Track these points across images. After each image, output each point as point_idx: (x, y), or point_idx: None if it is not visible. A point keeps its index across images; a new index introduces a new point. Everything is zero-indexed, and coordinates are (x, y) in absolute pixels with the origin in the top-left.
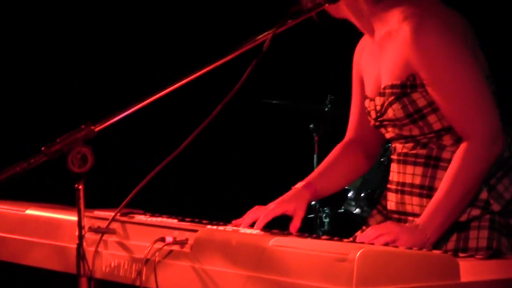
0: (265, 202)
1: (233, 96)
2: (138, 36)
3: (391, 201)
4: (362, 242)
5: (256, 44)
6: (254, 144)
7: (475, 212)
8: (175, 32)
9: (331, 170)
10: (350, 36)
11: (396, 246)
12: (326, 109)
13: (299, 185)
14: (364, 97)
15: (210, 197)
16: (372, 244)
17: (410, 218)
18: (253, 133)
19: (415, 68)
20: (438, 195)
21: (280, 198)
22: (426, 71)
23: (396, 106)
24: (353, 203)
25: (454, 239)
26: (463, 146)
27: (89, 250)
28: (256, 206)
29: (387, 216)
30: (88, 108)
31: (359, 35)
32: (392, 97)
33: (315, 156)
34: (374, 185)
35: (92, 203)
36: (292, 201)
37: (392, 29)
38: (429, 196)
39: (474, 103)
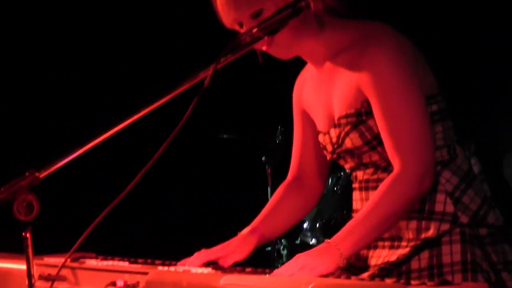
0: (220, 238)
1: (182, 132)
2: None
3: None
4: None
5: (198, 80)
6: (207, 179)
7: (444, 227)
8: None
9: (276, 213)
10: (301, 66)
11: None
12: (278, 141)
13: (245, 230)
14: (306, 133)
15: (163, 234)
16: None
17: (380, 243)
18: (205, 168)
19: (366, 94)
20: (356, 218)
21: (226, 242)
22: (373, 96)
23: (353, 135)
24: (309, 234)
25: (427, 256)
26: (391, 176)
27: None
28: (203, 250)
29: None
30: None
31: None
32: (349, 127)
33: (269, 188)
34: (328, 214)
35: (42, 250)
36: (235, 245)
37: (343, 57)
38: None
39: (411, 136)
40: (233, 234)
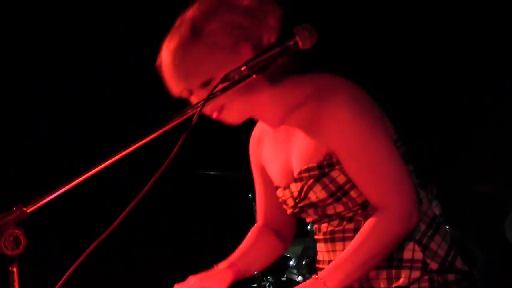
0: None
1: (168, 168)
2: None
3: None
4: None
5: (185, 118)
6: (193, 215)
7: (415, 274)
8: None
9: (252, 251)
10: None
11: None
12: None
13: (222, 265)
14: (267, 185)
15: (149, 270)
16: None
17: None
18: (191, 205)
19: (330, 147)
20: (343, 255)
21: (202, 274)
22: (340, 147)
23: (317, 188)
24: (295, 271)
25: None
26: (377, 213)
27: None
28: (176, 285)
29: None
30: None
31: None
32: (311, 180)
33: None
34: (314, 251)
35: (28, 285)
36: (214, 279)
37: (298, 113)
38: None
39: (392, 178)
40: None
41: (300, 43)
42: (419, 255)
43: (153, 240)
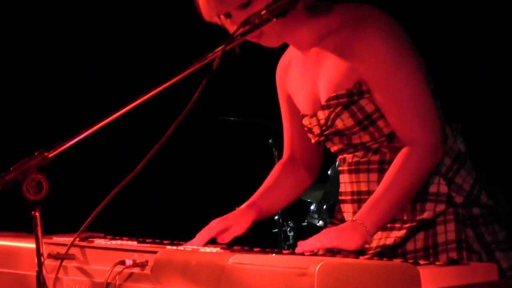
0: None
1: (189, 115)
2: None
3: (348, 212)
4: (302, 254)
5: (206, 62)
6: (213, 161)
7: (440, 207)
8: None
9: (275, 189)
10: None
11: (339, 252)
12: None
13: (244, 205)
14: (294, 115)
15: (171, 216)
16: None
17: None
18: (212, 151)
19: (361, 74)
20: (376, 194)
21: (224, 216)
22: (373, 76)
23: (344, 115)
24: (316, 216)
25: (422, 237)
26: (405, 149)
27: (49, 277)
28: (203, 229)
29: None
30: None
31: None
32: (339, 107)
33: None
34: (335, 197)
35: (51, 229)
36: (235, 219)
37: (331, 40)
38: None
39: (419, 111)
40: None
41: None
42: (444, 188)
43: (172, 186)
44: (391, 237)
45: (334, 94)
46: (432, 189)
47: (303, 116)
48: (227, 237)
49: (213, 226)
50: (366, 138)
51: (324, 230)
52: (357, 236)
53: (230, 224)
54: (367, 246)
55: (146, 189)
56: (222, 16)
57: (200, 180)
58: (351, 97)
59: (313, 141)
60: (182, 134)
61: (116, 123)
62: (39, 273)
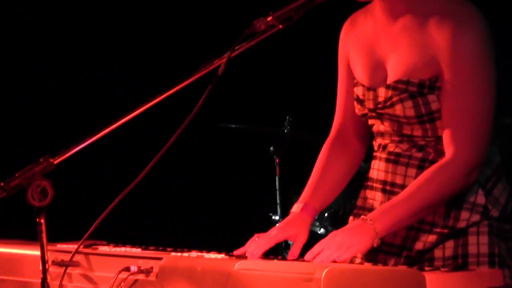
0: (229, 228)
1: (191, 122)
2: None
3: (374, 200)
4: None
5: (212, 68)
6: (216, 168)
7: (475, 218)
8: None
9: (324, 181)
10: (307, 57)
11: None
12: (286, 131)
13: (297, 208)
14: (349, 81)
15: (173, 224)
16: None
17: None
18: (214, 158)
19: (441, 71)
20: (396, 199)
21: (281, 224)
22: (452, 77)
23: (408, 104)
24: (317, 224)
25: (452, 246)
26: (441, 161)
27: (53, 284)
28: (256, 234)
29: None
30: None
31: (317, 56)
32: (406, 94)
33: (277, 178)
34: (337, 204)
35: (55, 236)
36: (294, 226)
37: (425, 20)
38: None
39: (474, 126)
40: (242, 223)
41: None
42: (482, 199)
43: (175, 194)
44: (421, 240)
45: (406, 79)
46: (469, 197)
47: (357, 83)
48: (295, 251)
49: (273, 236)
50: (418, 132)
51: (332, 234)
52: (365, 237)
53: (290, 235)
54: (395, 241)
55: (148, 196)
56: None
57: (201, 188)
58: (421, 88)
59: (358, 111)
60: (183, 142)
61: (119, 130)
62: (44, 280)
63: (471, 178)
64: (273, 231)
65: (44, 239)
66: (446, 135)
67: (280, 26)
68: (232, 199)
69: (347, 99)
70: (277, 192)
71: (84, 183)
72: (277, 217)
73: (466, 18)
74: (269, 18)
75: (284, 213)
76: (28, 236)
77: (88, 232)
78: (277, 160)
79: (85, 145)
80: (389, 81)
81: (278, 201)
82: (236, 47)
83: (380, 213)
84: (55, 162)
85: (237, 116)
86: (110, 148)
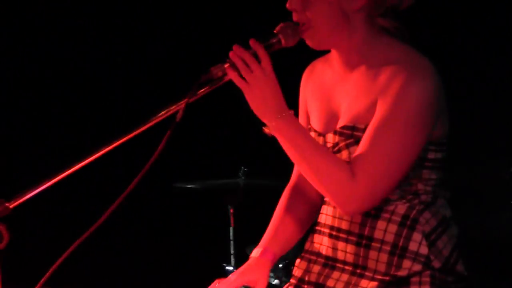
0: (183, 279)
1: (146, 180)
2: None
3: (321, 244)
4: None
5: (169, 114)
6: (169, 223)
7: (417, 267)
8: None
9: (284, 227)
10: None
11: None
12: (240, 181)
13: (257, 252)
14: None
15: (128, 274)
16: None
17: (339, 265)
18: (168, 212)
19: (378, 104)
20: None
21: (241, 268)
22: (385, 108)
23: (353, 149)
24: (271, 274)
25: None
26: (350, 175)
27: None
28: (217, 280)
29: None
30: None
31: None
32: (352, 140)
33: (231, 228)
34: (291, 255)
35: (11, 280)
36: (254, 272)
37: (377, 71)
38: (367, 246)
39: (385, 160)
40: (195, 273)
41: (283, 41)
42: (424, 249)
43: (130, 246)
44: (361, 286)
45: (351, 124)
46: (412, 247)
47: (310, 129)
48: None
49: (233, 281)
50: None
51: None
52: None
53: (250, 280)
54: (330, 284)
55: (105, 244)
56: None
57: (156, 237)
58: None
59: None
60: (137, 201)
61: (77, 174)
62: None
63: (348, 206)
64: (232, 276)
65: None
66: (355, 156)
67: (283, 42)
68: (185, 249)
69: None
70: (231, 242)
71: (40, 228)
72: (231, 268)
73: (421, 70)
74: (227, 65)
75: (238, 263)
76: None
77: (42, 280)
78: (231, 210)
79: (41, 189)
80: (337, 126)
81: (232, 251)
82: (191, 97)
83: (291, 123)
84: (11, 206)
85: (192, 173)
86: (67, 193)
